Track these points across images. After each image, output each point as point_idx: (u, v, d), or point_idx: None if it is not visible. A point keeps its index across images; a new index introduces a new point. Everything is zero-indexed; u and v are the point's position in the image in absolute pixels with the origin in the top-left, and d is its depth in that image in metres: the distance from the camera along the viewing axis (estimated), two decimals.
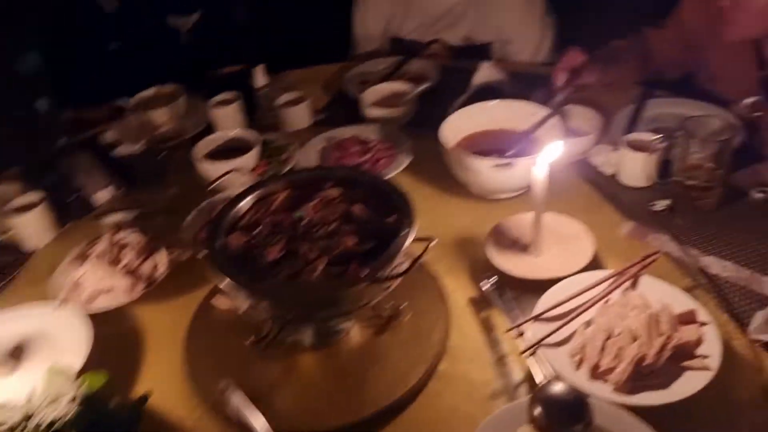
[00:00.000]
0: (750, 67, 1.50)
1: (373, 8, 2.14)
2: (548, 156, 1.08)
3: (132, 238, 1.27)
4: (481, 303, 1.15)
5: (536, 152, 1.27)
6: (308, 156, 1.55)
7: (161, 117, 1.75)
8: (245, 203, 1.13)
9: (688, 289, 1.12)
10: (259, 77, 1.73)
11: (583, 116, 1.53)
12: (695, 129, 1.26)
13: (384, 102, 1.70)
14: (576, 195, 1.37)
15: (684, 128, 1.25)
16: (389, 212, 1.05)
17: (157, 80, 1.84)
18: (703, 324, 1.00)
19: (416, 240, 1.00)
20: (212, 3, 2.21)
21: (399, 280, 0.98)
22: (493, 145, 1.43)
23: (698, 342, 0.97)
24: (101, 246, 1.24)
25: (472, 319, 1.13)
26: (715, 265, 1.18)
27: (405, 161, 1.48)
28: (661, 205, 1.32)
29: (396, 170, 1.46)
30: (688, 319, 1.01)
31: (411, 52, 1.94)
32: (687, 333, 0.98)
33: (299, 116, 1.69)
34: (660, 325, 0.99)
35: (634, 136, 1.39)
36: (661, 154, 1.33)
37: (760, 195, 1.31)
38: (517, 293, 1.13)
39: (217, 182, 1.42)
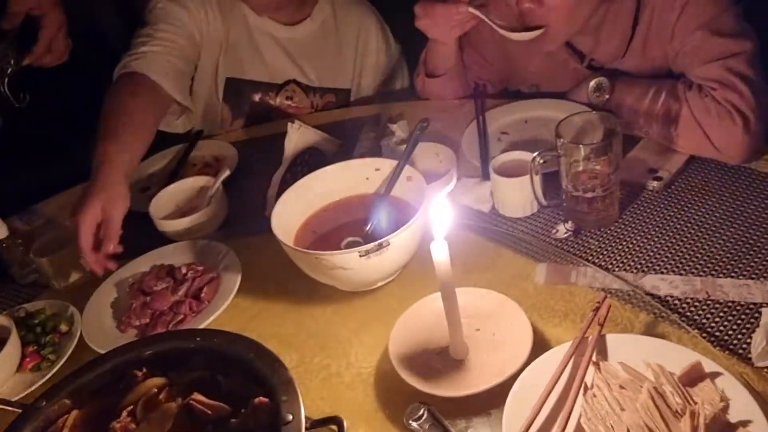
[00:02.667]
0: (568, 63, 1.35)
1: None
2: (441, 226, 0.77)
3: None
4: None
5: (401, 216, 0.98)
6: (99, 318, 1.09)
7: None
8: None
9: (651, 327, 0.87)
10: None
11: (428, 153, 1.25)
12: (573, 133, 1.04)
13: (182, 208, 1.29)
14: (460, 249, 1.07)
15: (560, 135, 1.02)
16: (252, 388, 0.67)
17: None
18: (715, 375, 0.74)
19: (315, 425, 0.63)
20: None
21: None
22: (344, 219, 1.10)
23: (726, 406, 0.71)
24: None
25: None
26: (661, 284, 0.95)
27: (235, 279, 1.09)
28: (562, 230, 1.08)
29: (228, 297, 1.05)
30: (695, 376, 0.75)
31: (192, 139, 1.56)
32: (706, 396, 0.72)
33: (71, 261, 1.22)
34: (668, 399, 0.73)
35: (503, 158, 1.14)
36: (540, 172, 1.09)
37: (657, 183, 1.12)
38: (462, 419, 0.80)
39: None
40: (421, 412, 0.77)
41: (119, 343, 0.93)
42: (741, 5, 1.14)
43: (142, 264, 1.17)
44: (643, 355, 0.79)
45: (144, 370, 0.72)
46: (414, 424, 0.77)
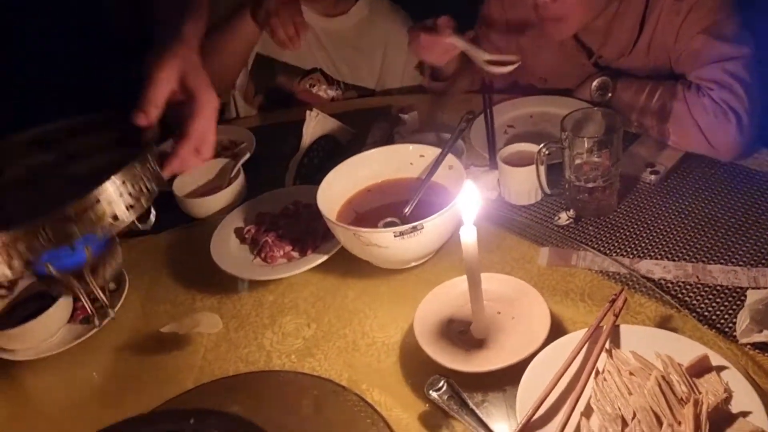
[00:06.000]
0: (576, 58, 1.41)
1: None
2: (471, 212, 0.83)
3: None
4: (436, 419, 0.85)
5: (440, 201, 1.03)
6: (238, 260, 1.15)
7: None
8: None
9: (664, 321, 0.93)
10: None
11: (436, 143, 1.32)
12: (576, 127, 1.11)
13: (203, 188, 1.36)
14: None
15: (566, 128, 1.09)
16: None
17: None
18: (721, 369, 0.80)
19: None
20: None
21: None
22: (385, 201, 1.15)
23: (729, 398, 0.77)
24: None
25: None
26: (656, 268, 1.03)
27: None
28: (564, 218, 1.15)
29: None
30: (701, 368, 0.80)
31: None
32: (711, 387, 0.78)
33: None
34: (674, 387, 0.78)
35: (510, 149, 1.21)
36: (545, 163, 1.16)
37: (654, 176, 1.20)
38: (479, 393, 0.87)
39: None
40: (441, 383, 0.85)
41: (276, 272, 1.10)
42: (741, 16, 1.21)
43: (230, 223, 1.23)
44: (655, 346, 0.84)
45: None
46: (434, 394, 0.84)
